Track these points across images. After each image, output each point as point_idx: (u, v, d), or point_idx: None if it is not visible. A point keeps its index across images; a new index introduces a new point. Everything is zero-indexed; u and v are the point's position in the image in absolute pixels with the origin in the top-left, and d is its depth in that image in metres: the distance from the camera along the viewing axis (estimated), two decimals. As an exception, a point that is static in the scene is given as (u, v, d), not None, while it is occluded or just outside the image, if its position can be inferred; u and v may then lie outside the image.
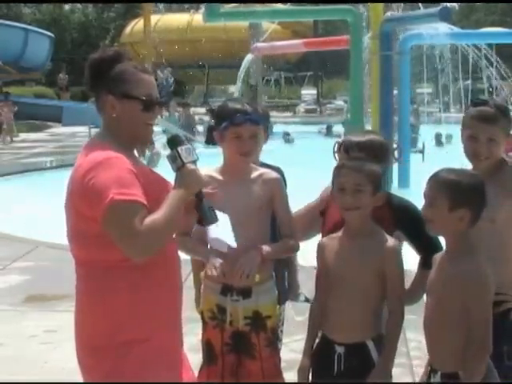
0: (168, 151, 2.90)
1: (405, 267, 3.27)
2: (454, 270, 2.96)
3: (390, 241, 3.21)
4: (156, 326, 2.85)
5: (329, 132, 22.76)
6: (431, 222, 3.00)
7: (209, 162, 3.61)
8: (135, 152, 3.03)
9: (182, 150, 2.85)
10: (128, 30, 40.00)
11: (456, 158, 3.45)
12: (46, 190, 12.04)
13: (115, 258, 2.77)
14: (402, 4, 15.80)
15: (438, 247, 3.23)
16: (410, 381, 4.43)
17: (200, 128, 21.85)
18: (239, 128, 3.42)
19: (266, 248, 3.42)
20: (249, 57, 19.16)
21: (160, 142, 13.06)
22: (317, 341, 3.33)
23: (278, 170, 3.92)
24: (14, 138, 23.47)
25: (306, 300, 4.15)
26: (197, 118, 23.60)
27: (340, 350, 3.22)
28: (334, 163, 3.37)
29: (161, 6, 41.45)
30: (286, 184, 3.85)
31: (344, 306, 3.20)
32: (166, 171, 3.06)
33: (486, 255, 3.02)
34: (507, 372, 3.18)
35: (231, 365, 3.53)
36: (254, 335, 3.49)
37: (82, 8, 48.38)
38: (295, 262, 4.27)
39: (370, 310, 3.20)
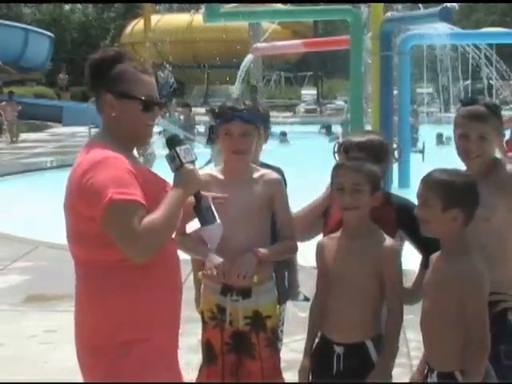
0: (167, 151, 2.90)
1: (406, 267, 3.27)
2: (449, 270, 2.98)
3: (389, 241, 3.21)
4: (156, 326, 2.85)
5: (328, 132, 22.75)
6: (425, 223, 3.00)
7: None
8: (135, 152, 3.03)
9: (180, 149, 2.85)
10: (128, 30, 40.04)
11: (456, 158, 3.45)
12: (46, 190, 12.04)
13: (115, 258, 2.77)
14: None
15: (439, 247, 3.23)
16: (410, 381, 4.42)
17: (200, 128, 21.84)
18: (228, 125, 3.44)
19: (262, 250, 3.42)
20: (249, 57, 19.14)
21: (155, 142, 13.07)
22: (316, 341, 3.33)
23: (278, 170, 3.92)
24: (14, 138, 23.46)
25: (306, 299, 4.16)
26: (196, 118, 23.59)
27: (339, 350, 3.21)
28: (332, 163, 3.37)
29: (161, 6, 41.43)
30: (286, 184, 3.85)
31: (343, 306, 3.20)
32: (161, 171, 3.06)
33: (483, 255, 3.03)
34: (505, 372, 3.18)
35: (231, 365, 3.53)
36: (254, 335, 3.49)
37: (82, 8, 48.40)
38: (295, 262, 4.27)
39: (370, 310, 3.20)
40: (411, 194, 3.38)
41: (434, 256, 3.12)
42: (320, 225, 3.57)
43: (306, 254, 3.80)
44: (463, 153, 3.33)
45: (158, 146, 13.56)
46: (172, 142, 2.89)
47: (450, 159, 3.44)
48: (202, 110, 26.49)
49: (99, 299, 2.83)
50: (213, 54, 33.91)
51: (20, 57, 29.23)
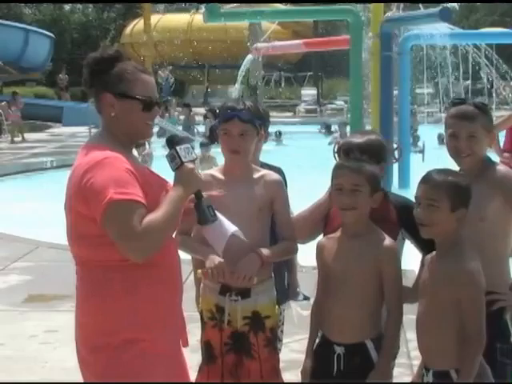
0: (164, 151, 2.91)
1: (406, 267, 3.27)
2: (446, 270, 3.00)
3: (388, 240, 3.22)
4: (156, 325, 2.85)
5: (328, 131, 22.73)
6: (428, 225, 3.01)
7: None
8: (134, 152, 3.03)
9: (180, 149, 2.86)
10: (128, 30, 40.03)
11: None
12: (46, 190, 12.05)
13: (115, 258, 2.77)
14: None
15: None
16: (410, 381, 4.42)
17: (200, 128, 21.85)
18: (227, 124, 3.45)
19: (266, 252, 3.42)
20: (249, 57, 19.12)
21: (153, 142, 13.05)
22: (317, 341, 3.33)
23: (278, 170, 3.92)
24: (15, 138, 23.44)
25: (305, 298, 4.16)
26: (196, 118, 23.61)
27: (339, 350, 3.22)
28: (327, 162, 3.38)
29: (161, 6, 41.40)
30: (286, 185, 3.85)
31: (343, 306, 3.20)
32: (160, 171, 3.06)
33: (477, 254, 3.05)
34: (500, 369, 3.21)
35: (230, 365, 3.53)
36: (253, 335, 3.48)
37: (82, 8, 48.36)
38: (295, 262, 4.27)
39: (370, 310, 3.20)
40: (411, 194, 3.38)
41: (429, 256, 3.14)
42: (322, 226, 3.56)
43: (306, 254, 3.80)
44: (453, 152, 3.38)
45: (156, 146, 13.62)
46: (172, 142, 2.90)
47: (451, 159, 3.45)
48: (202, 110, 26.51)
49: (99, 299, 2.83)
50: (213, 54, 33.90)
51: (20, 57, 29.21)
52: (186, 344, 3.05)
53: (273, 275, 3.59)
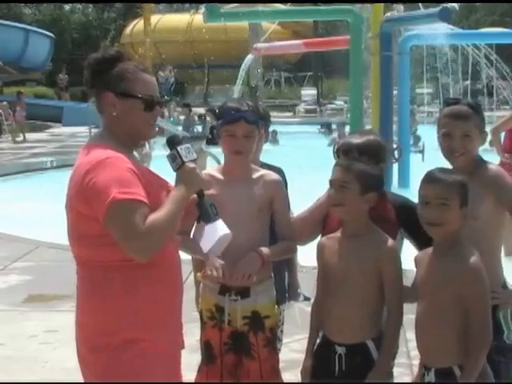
0: (162, 152, 2.91)
1: (406, 267, 3.27)
2: (447, 268, 3.00)
3: (388, 240, 3.22)
4: (156, 325, 2.85)
5: (329, 129, 22.72)
6: (440, 225, 3.00)
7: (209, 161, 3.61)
8: (134, 153, 3.03)
9: (181, 149, 2.86)
10: (128, 30, 40.04)
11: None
12: (46, 190, 12.05)
13: (116, 258, 2.77)
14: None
15: None
16: (409, 381, 4.43)
17: (200, 128, 21.83)
18: (233, 126, 3.42)
19: (266, 251, 3.42)
20: (249, 57, 19.14)
21: (155, 142, 13.03)
22: (318, 341, 3.33)
23: (278, 170, 3.92)
24: (17, 138, 23.43)
25: (306, 299, 4.16)
26: (196, 118, 23.59)
27: (340, 350, 3.21)
28: (326, 162, 3.40)
29: (161, 6, 41.42)
30: (286, 184, 3.85)
31: (343, 306, 3.19)
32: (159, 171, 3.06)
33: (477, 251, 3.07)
34: (495, 366, 3.22)
35: (230, 365, 3.53)
36: (253, 335, 3.48)
37: (82, 8, 48.36)
38: (295, 262, 4.27)
39: (370, 310, 3.20)
40: (411, 194, 3.38)
41: (422, 255, 3.14)
42: (321, 226, 3.57)
43: (306, 254, 3.80)
44: (447, 151, 3.40)
45: (156, 146, 13.61)
46: (173, 142, 2.90)
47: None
48: (202, 110, 26.51)
49: (99, 299, 2.83)
50: (213, 54, 33.90)
51: (20, 57, 29.21)
52: (182, 346, 3.04)
53: (272, 275, 3.59)
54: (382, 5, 12.80)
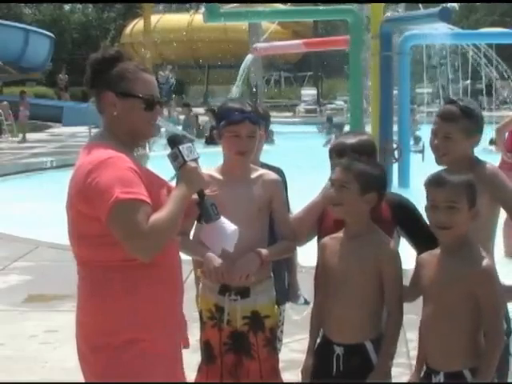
0: (166, 151, 2.91)
1: (406, 267, 3.27)
2: (458, 269, 2.98)
3: (389, 241, 3.22)
4: (156, 325, 2.85)
5: (330, 123, 22.72)
6: (450, 228, 2.99)
7: (210, 161, 3.61)
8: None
9: (183, 148, 2.86)
10: (128, 30, 40.03)
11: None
12: (46, 190, 12.05)
13: (116, 258, 2.77)
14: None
15: (435, 243, 3.23)
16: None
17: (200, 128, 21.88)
18: (237, 126, 3.42)
19: (264, 251, 3.42)
20: (249, 57, 19.13)
21: (155, 142, 13.02)
22: (318, 340, 3.33)
23: (278, 170, 3.92)
24: (15, 138, 23.45)
25: (306, 302, 4.15)
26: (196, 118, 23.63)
27: (339, 350, 3.22)
28: (326, 162, 3.41)
29: (161, 6, 41.42)
30: (286, 184, 3.85)
31: (343, 306, 3.19)
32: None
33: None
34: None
35: (230, 365, 3.53)
36: (252, 335, 3.48)
37: (82, 8, 48.36)
38: (295, 262, 4.27)
39: (370, 311, 3.20)
40: (411, 194, 3.38)
41: (428, 256, 3.12)
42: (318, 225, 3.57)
43: (306, 254, 3.80)
44: (432, 150, 3.45)
45: (155, 146, 13.61)
46: (174, 141, 2.90)
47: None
48: (202, 110, 26.52)
49: (100, 299, 2.83)
50: (213, 54, 33.90)
51: (20, 57, 29.19)
52: (186, 344, 3.05)
53: (272, 275, 3.59)
54: (381, 5, 12.80)
